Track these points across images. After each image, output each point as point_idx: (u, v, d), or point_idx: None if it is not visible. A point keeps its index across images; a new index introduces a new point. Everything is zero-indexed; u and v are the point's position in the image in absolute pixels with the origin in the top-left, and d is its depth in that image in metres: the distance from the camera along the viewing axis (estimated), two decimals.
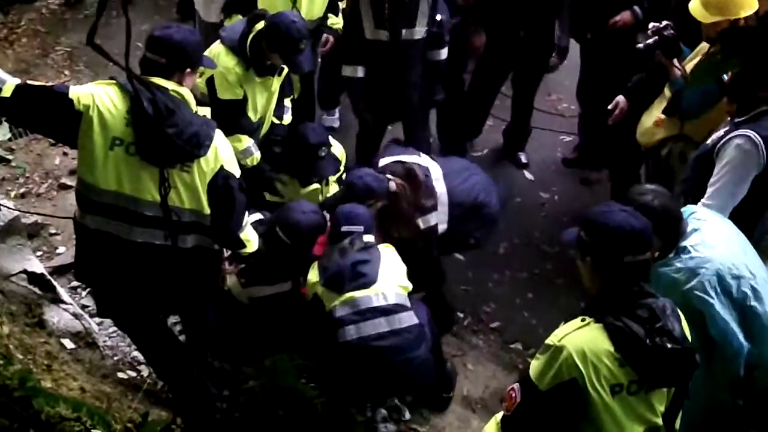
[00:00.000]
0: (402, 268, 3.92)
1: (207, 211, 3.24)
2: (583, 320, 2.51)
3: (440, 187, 4.34)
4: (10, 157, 5.54)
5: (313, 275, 3.82)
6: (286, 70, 4.40)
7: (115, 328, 4.16)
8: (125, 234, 3.17)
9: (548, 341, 2.52)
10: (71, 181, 5.19)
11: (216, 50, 4.17)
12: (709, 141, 3.66)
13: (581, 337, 2.47)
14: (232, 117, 4.13)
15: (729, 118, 3.67)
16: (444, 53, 4.89)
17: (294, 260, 3.96)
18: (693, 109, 4.06)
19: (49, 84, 3.21)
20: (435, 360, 4.00)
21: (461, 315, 4.84)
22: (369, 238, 3.93)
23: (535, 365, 2.52)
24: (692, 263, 2.97)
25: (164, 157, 3.10)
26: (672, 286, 2.95)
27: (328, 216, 4.08)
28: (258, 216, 4.06)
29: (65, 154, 5.60)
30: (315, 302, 3.80)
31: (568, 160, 5.89)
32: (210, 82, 4.16)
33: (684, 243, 3.02)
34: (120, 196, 3.12)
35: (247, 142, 4.29)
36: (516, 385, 2.58)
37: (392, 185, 4.22)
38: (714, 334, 2.95)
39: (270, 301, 3.99)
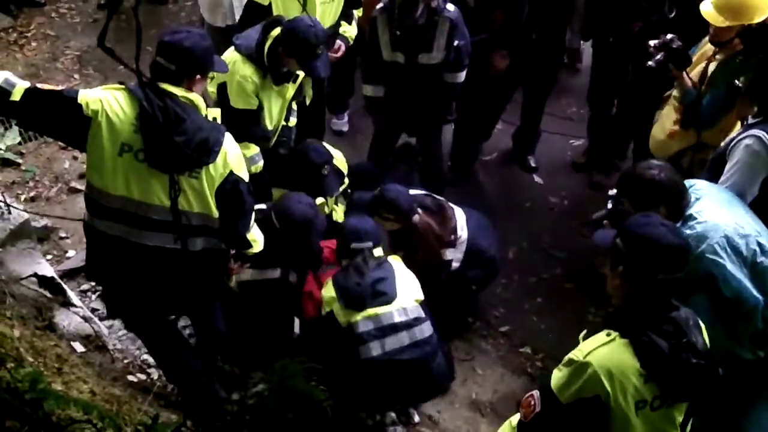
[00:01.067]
0: (414, 279, 3.99)
1: (216, 214, 3.24)
2: (608, 335, 2.48)
3: (462, 230, 4.46)
4: (20, 160, 5.57)
5: (329, 291, 3.86)
6: (301, 75, 4.40)
7: (125, 331, 4.18)
8: (135, 237, 3.17)
9: (573, 356, 2.49)
10: (81, 185, 5.21)
11: (231, 58, 4.14)
12: (722, 143, 3.66)
13: (607, 354, 2.44)
14: (244, 125, 4.14)
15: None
16: (461, 76, 4.90)
17: (284, 248, 3.98)
18: (711, 119, 4.08)
19: (59, 88, 3.21)
20: (447, 361, 4.11)
21: (470, 320, 4.84)
22: (379, 252, 4.01)
23: (557, 377, 2.50)
24: (700, 228, 3.02)
25: (173, 165, 3.10)
26: None
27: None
28: (261, 206, 4.07)
29: (75, 158, 5.62)
30: (328, 317, 3.85)
31: (578, 164, 5.88)
32: (222, 88, 4.15)
33: (690, 211, 3.08)
34: (129, 201, 3.12)
35: (253, 150, 4.30)
36: (535, 393, 2.57)
37: (416, 218, 4.34)
38: (728, 294, 2.99)
39: (258, 287, 4.02)
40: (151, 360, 4.00)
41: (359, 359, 3.77)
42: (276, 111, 4.38)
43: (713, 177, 3.60)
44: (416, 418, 4.20)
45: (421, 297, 3.94)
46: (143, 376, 4.03)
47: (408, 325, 3.81)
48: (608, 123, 5.54)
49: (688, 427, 2.63)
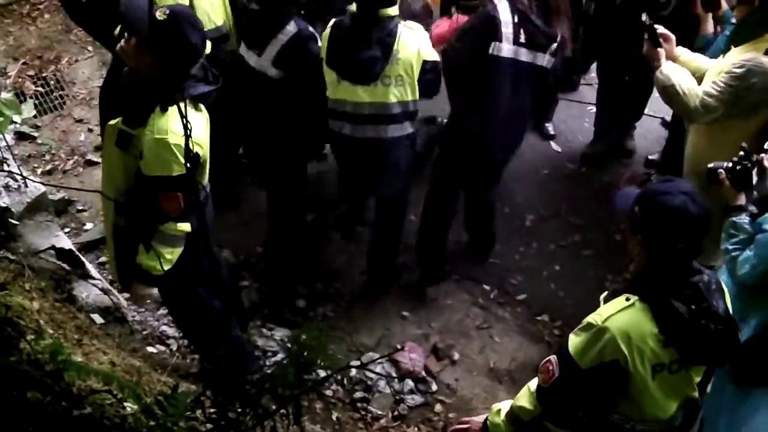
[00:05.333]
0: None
1: None
2: (627, 299, 2.46)
3: None
4: (35, 134, 5.58)
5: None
6: None
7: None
8: None
9: (591, 320, 2.47)
10: (97, 158, 5.22)
11: None
12: None
13: (626, 319, 2.43)
14: None
15: None
16: None
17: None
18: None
19: None
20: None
21: (487, 287, 4.82)
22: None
23: (575, 342, 2.49)
24: None
25: None
26: None
27: None
28: None
29: (90, 130, 5.63)
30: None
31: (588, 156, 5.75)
32: None
33: None
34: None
35: None
36: (553, 358, 2.56)
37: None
38: None
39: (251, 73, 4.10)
40: (170, 331, 4.03)
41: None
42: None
43: None
44: (434, 387, 4.21)
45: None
46: (162, 347, 4.07)
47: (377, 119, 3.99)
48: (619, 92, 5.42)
49: (709, 386, 2.63)
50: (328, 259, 4.94)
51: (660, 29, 3.90)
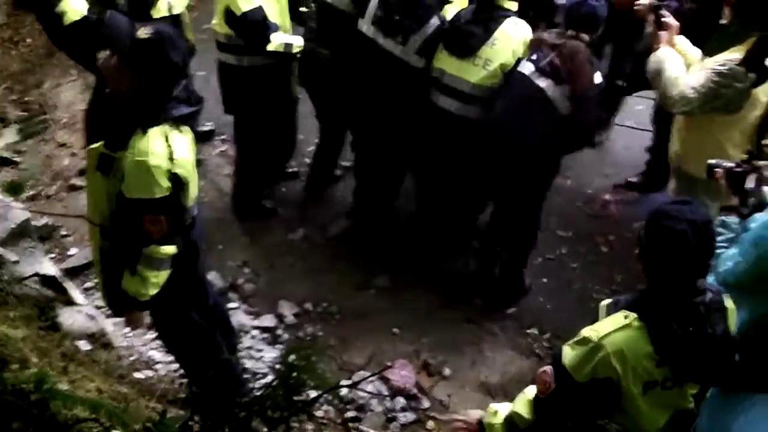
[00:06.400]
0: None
1: None
2: (626, 317, 2.46)
3: None
4: (18, 159, 5.55)
5: None
6: None
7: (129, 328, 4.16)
8: None
9: (587, 334, 2.47)
10: (81, 182, 5.19)
11: None
12: None
13: (622, 338, 2.43)
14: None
15: None
16: None
17: None
18: None
19: None
20: None
21: (478, 302, 4.81)
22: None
23: (570, 355, 2.49)
24: None
25: None
26: None
27: None
28: None
29: (74, 154, 5.59)
30: None
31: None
32: None
33: None
34: None
35: None
36: (549, 369, 2.57)
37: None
38: None
39: None
40: (157, 356, 3.99)
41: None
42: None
43: None
44: (426, 403, 4.18)
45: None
46: (150, 373, 4.02)
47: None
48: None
49: (707, 395, 2.65)
50: (316, 278, 4.91)
51: (666, 15, 4.01)
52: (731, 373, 2.54)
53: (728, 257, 2.94)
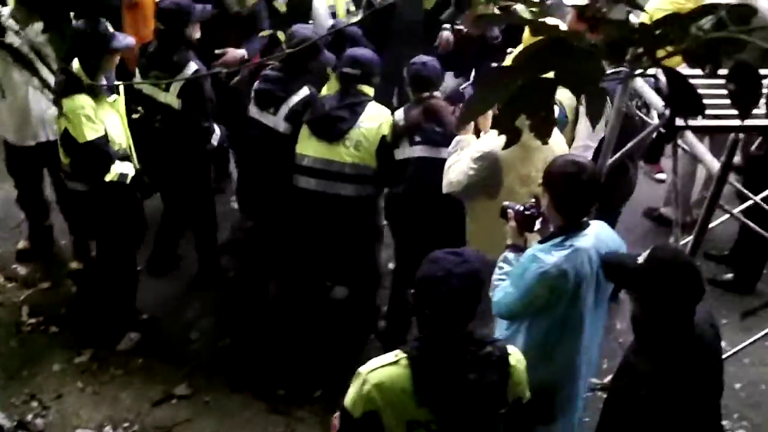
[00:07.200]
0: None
1: None
2: (396, 355, 2.55)
3: None
4: None
5: None
6: None
7: None
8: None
9: (361, 369, 2.56)
10: None
11: None
12: None
13: (386, 374, 2.52)
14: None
15: None
16: None
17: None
18: None
19: None
20: None
21: (281, 392, 4.75)
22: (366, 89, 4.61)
23: (349, 394, 2.57)
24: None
25: None
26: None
27: None
28: None
29: None
30: None
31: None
32: None
33: None
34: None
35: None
36: (338, 413, 2.65)
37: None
38: None
39: None
40: None
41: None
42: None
43: None
44: None
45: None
46: None
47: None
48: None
49: None
50: (111, 398, 4.67)
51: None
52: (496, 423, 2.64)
53: (500, 289, 3.21)
